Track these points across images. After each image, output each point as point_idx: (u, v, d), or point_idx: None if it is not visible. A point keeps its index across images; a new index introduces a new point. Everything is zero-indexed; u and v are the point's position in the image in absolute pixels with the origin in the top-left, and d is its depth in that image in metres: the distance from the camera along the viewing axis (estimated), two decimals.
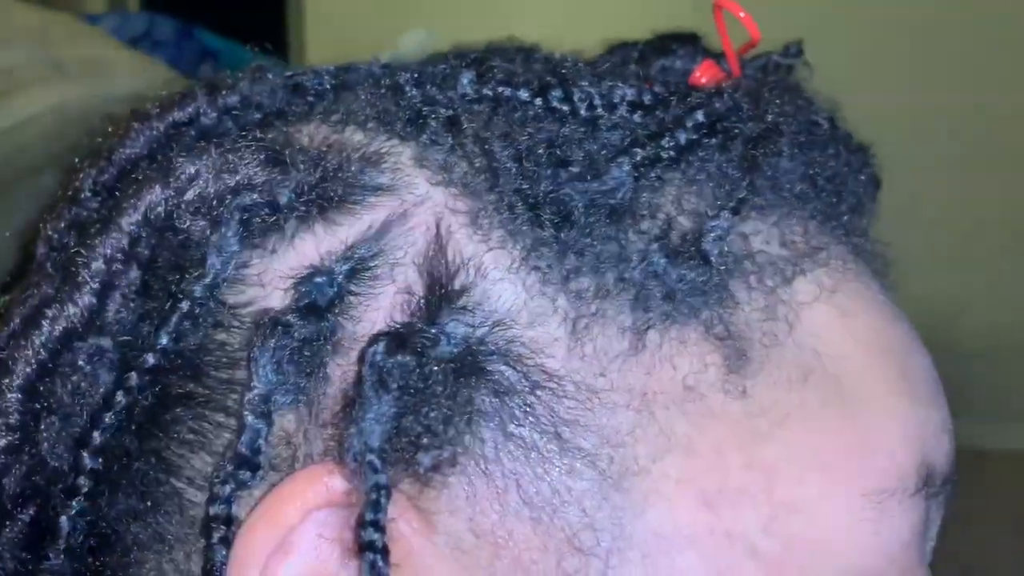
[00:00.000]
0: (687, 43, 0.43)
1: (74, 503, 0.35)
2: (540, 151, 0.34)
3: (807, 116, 0.40)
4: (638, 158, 0.35)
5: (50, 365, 0.35)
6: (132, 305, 0.35)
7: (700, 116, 0.36)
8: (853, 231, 0.40)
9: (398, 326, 0.33)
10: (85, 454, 0.35)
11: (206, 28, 1.35)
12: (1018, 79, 2.43)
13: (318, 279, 0.33)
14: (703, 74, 0.40)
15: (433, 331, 0.32)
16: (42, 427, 0.35)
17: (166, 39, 1.23)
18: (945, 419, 0.37)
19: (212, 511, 0.33)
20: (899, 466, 0.34)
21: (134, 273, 0.35)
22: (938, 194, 2.29)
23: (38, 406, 0.35)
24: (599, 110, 0.36)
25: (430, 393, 0.31)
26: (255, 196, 0.34)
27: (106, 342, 0.35)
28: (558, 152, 0.34)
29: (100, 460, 0.35)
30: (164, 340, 0.34)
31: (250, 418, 0.32)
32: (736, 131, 0.37)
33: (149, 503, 0.35)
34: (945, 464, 0.36)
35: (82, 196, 0.40)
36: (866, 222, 0.42)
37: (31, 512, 0.35)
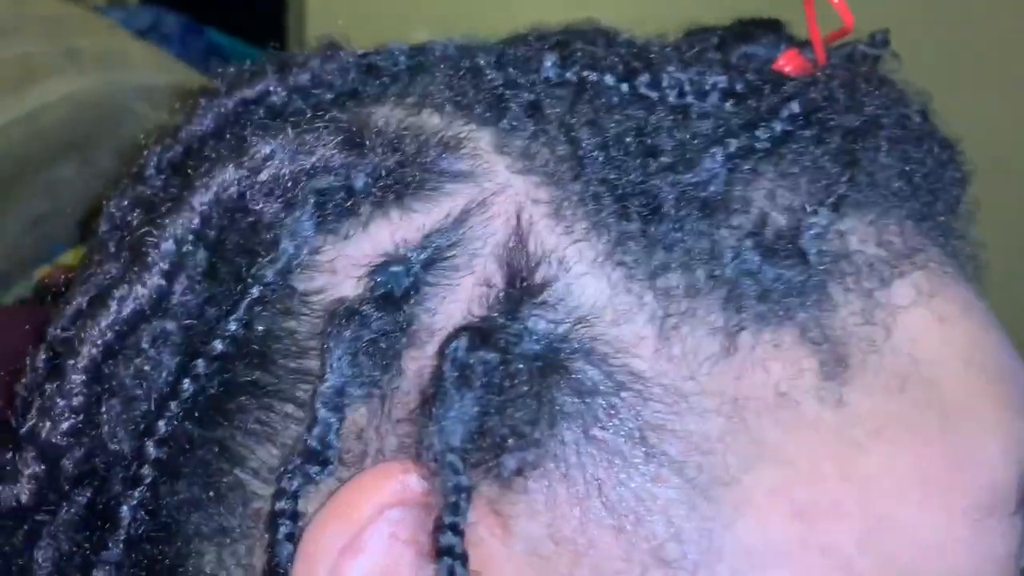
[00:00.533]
0: (769, 30, 0.41)
1: (136, 492, 0.34)
2: (628, 139, 0.33)
3: (901, 110, 0.38)
4: (732, 149, 0.33)
5: (115, 347, 0.34)
6: (199, 288, 0.34)
7: (795, 106, 0.34)
8: (949, 233, 0.38)
9: (478, 320, 0.31)
10: (148, 442, 0.34)
11: (209, 24, 1.34)
12: None
13: (394, 268, 0.32)
14: (787, 63, 0.39)
15: (516, 326, 0.31)
16: (103, 410, 0.34)
17: (172, 34, 1.22)
18: None
19: (278, 506, 0.32)
20: (999, 483, 0.33)
21: (202, 255, 0.34)
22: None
23: (101, 388, 0.34)
24: (689, 97, 0.34)
25: (515, 392, 0.30)
26: (331, 179, 0.33)
27: (171, 325, 0.34)
28: (647, 141, 0.33)
29: (163, 448, 0.34)
30: (232, 326, 0.33)
31: (322, 411, 0.31)
32: (833, 123, 0.35)
33: (212, 493, 0.34)
34: None
35: (147, 173, 0.39)
36: (962, 223, 0.40)
37: (88, 495, 0.35)
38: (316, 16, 2.11)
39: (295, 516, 0.32)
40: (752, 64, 0.40)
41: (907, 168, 0.37)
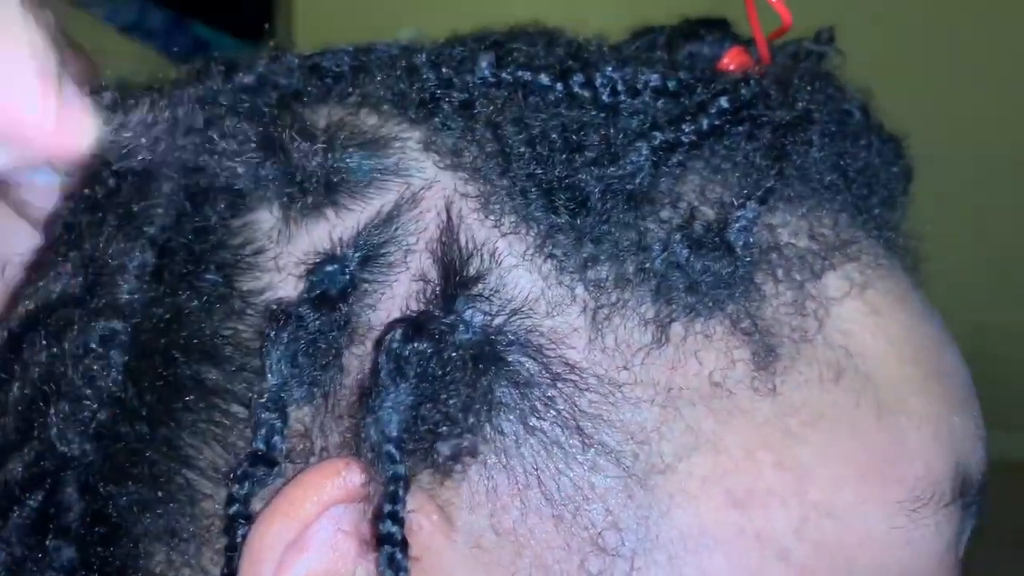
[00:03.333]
0: (715, 29, 0.42)
1: (85, 494, 0.34)
2: (554, 135, 0.33)
3: (839, 105, 0.38)
4: (656, 142, 0.34)
5: (63, 348, 0.34)
6: (146, 288, 0.34)
7: (724, 102, 0.35)
8: (885, 225, 0.39)
9: (414, 314, 0.32)
10: (96, 443, 0.34)
11: (195, 19, 1.34)
12: None
13: (329, 267, 0.33)
14: (731, 61, 0.39)
15: (451, 318, 0.31)
16: (51, 411, 0.34)
17: (157, 28, 1.22)
18: (979, 425, 0.36)
19: (232, 510, 0.32)
20: (934, 474, 0.33)
21: (149, 255, 0.34)
22: (968, 195, 2.26)
23: (49, 389, 0.34)
24: (621, 96, 0.35)
25: (449, 380, 0.31)
26: (254, 180, 0.34)
27: (119, 325, 0.34)
28: (573, 136, 0.33)
29: (110, 447, 0.34)
30: (176, 326, 0.34)
31: (264, 413, 0.32)
32: (764, 119, 0.35)
33: (160, 494, 0.34)
34: (978, 473, 0.35)
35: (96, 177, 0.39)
36: (898, 216, 0.40)
37: (39, 498, 0.35)
38: (304, 11, 2.11)
39: (249, 519, 0.32)
40: (696, 63, 0.40)
41: (841, 162, 0.37)
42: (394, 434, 0.30)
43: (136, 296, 0.34)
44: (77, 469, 0.34)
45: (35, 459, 0.34)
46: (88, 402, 0.34)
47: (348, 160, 0.34)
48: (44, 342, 0.34)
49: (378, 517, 0.30)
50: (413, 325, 0.31)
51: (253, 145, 0.34)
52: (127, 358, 0.34)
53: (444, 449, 0.30)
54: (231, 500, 0.32)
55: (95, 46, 0.81)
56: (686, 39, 0.42)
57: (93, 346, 0.34)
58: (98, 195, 0.38)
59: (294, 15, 2.10)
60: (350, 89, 0.37)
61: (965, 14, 2.34)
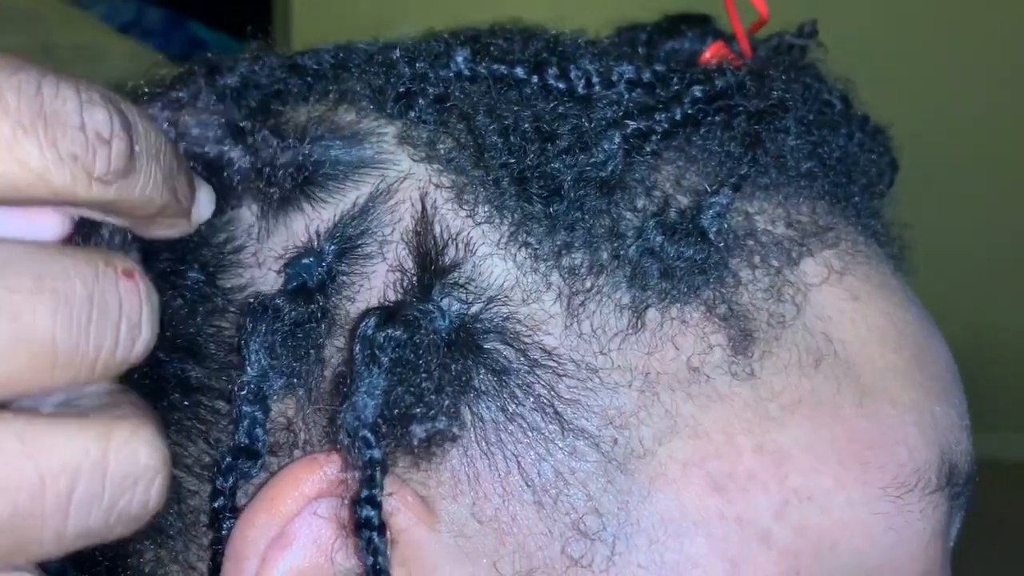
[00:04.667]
0: (697, 25, 0.42)
1: None
2: (526, 126, 0.34)
3: (818, 95, 0.39)
4: (628, 131, 0.34)
5: None
6: None
7: (698, 91, 0.35)
8: (865, 212, 0.39)
9: (391, 303, 0.32)
10: None
11: (193, 18, 1.34)
12: None
13: (306, 260, 0.33)
14: (712, 55, 0.39)
15: (427, 307, 0.31)
16: None
17: (156, 27, 1.23)
18: (963, 415, 0.36)
19: (217, 504, 0.32)
20: (917, 461, 0.33)
21: (133, 252, 0.34)
22: (965, 194, 2.25)
23: None
24: (595, 87, 0.35)
25: (422, 365, 0.31)
26: (231, 176, 0.34)
27: None
28: (545, 126, 0.34)
29: None
30: (161, 323, 0.33)
31: (244, 406, 0.32)
32: (739, 108, 0.36)
33: None
34: (965, 463, 0.35)
35: None
36: (880, 204, 0.40)
37: None
38: (301, 10, 2.12)
39: (235, 511, 0.32)
40: (678, 58, 0.40)
41: (819, 150, 0.37)
42: (369, 419, 0.30)
43: None
44: None
45: None
46: None
47: (323, 154, 0.34)
48: None
49: (356, 503, 0.30)
50: (387, 311, 0.31)
51: (229, 143, 0.34)
52: None
53: (418, 432, 0.30)
54: (216, 494, 0.32)
55: (94, 44, 0.81)
56: (667, 36, 0.42)
57: None
58: None
59: (291, 14, 2.10)
60: (330, 87, 0.37)
61: (967, 13, 2.33)
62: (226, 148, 0.34)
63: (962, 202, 2.22)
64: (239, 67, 0.38)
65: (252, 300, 0.33)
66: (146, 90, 0.38)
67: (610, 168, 0.33)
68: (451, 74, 0.36)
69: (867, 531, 0.32)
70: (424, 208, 0.33)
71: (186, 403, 0.34)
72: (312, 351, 0.32)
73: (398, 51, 0.36)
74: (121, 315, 0.25)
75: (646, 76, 0.36)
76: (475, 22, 0.41)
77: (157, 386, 0.34)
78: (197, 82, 0.38)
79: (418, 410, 0.30)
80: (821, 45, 0.42)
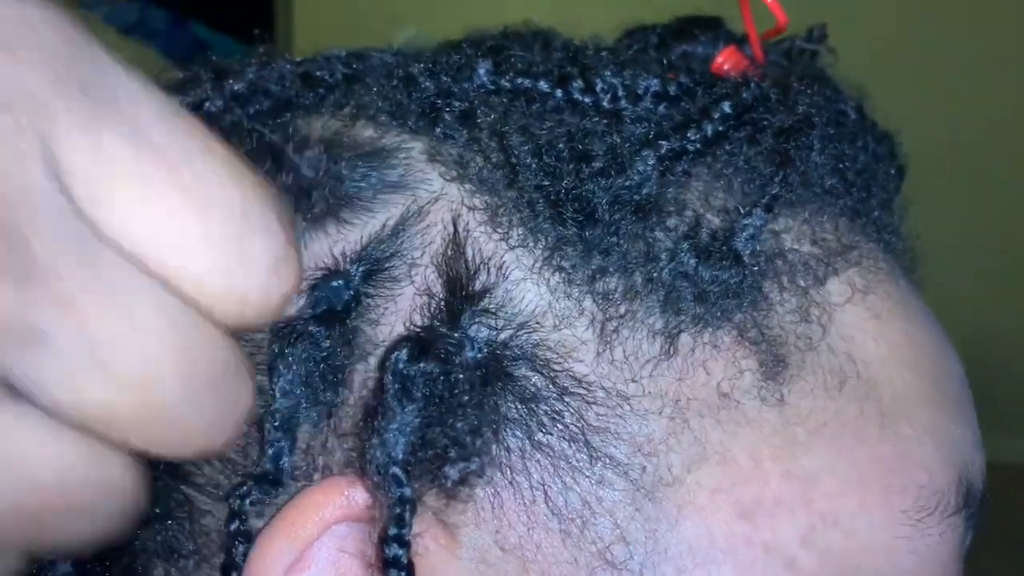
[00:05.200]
0: (708, 28, 0.41)
1: None
2: (560, 145, 0.33)
3: (835, 106, 0.38)
4: (663, 151, 0.33)
5: None
6: None
7: (727, 107, 0.35)
8: (883, 228, 0.38)
9: (419, 330, 0.31)
10: None
11: (195, 20, 1.35)
12: None
13: (334, 283, 0.32)
14: (725, 60, 0.39)
15: (457, 335, 0.31)
16: None
17: (158, 29, 1.23)
18: (975, 432, 0.36)
19: (233, 527, 0.31)
20: (937, 483, 0.33)
21: None
22: (968, 200, 2.24)
23: None
24: (623, 102, 0.35)
25: (456, 402, 0.30)
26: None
27: None
28: (579, 146, 0.33)
29: None
30: None
31: (274, 433, 0.31)
32: (765, 123, 0.35)
33: (158, 510, 0.34)
34: (980, 482, 0.35)
35: None
36: (896, 218, 0.40)
37: None
38: (304, 11, 2.11)
39: (249, 536, 0.31)
40: (690, 63, 0.40)
41: (841, 165, 0.37)
42: (400, 456, 0.29)
43: None
44: None
45: None
46: None
47: (352, 174, 0.33)
48: None
49: (383, 540, 0.29)
50: (419, 343, 0.30)
51: (250, 157, 0.34)
52: None
53: (452, 473, 0.30)
54: (232, 517, 0.32)
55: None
56: (679, 38, 0.41)
57: None
58: None
59: (294, 15, 2.10)
60: (344, 100, 0.36)
61: (970, 16, 2.33)
62: (251, 163, 0.33)
63: (964, 205, 2.21)
64: (247, 72, 0.37)
65: (283, 325, 0.32)
66: None
67: (645, 191, 0.33)
68: (475, 87, 0.35)
69: (889, 555, 0.32)
70: (456, 231, 0.32)
71: None
72: (337, 376, 0.32)
73: (417, 64, 0.35)
74: None
75: (672, 89, 0.35)
76: (479, 24, 0.40)
77: None
78: (203, 87, 0.37)
79: (453, 452, 0.30)
80: (832, 50, 0.42)
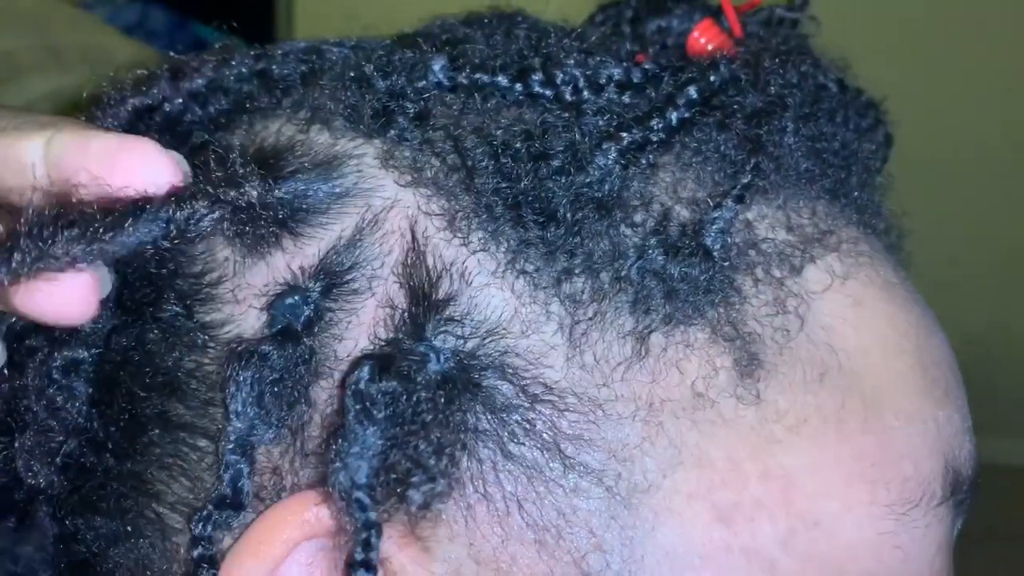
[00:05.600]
0: (684, 0, 0.40)
1: (54, 526, 0.33)
2: (517, 144, 0.32)
3: (813, 80, 0.37)
4: (624, 143, 0.32)
5: (27, 377, 0.33)
6: (108, 316, 0.33)
7: (692, 92, 0.33)
8: (864, 208, 0.37)
9: (383, 343, 0.30)
10: (62, 472, 0.33)
11: (197, 20, 1.35)
12: None
13: (290, 299, 0.31)
14: (702, 34, 0.38)
15: (421, 348, 0.30)
16: (17, 443, 0.33)
17: (159, 29, 1.23)
18: (966, 418, 0.35)
19: (196, 552, 0.31)
20: (922, 473, 0.32)
21: (110, 283, 0.32)
22: (967, 196, 2.22)
23: (14, 420, 0.33)
24: (584, 93, 0.33)
25: (420, 421, 0.29)
26: (204, 212, 0.31)
27: (83, 354, 0.33)
28: (537, 144, 0.32)
29: (77, 479, 0.33)
30: (137, 358, 0.32)
31: (230, 456, 0.30)
32: (735, 106, 0.34)
33: (129, 528, 0.33)
34: (968, 468, 0.34)
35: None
36: (878, 195, 0.39)
37: (10, 527, 0.34)
38: (305, 10, 2.12)
39: (213, 561, 0.31)
40: (666, 38, 0.39)
41: (817, 146, 0.36)
42: (363, 481, 0.28)
43: (99, 324, 0.33)
44: (46, 501, 0.33)
45: (2, 491, 0.34)
46: (53, 433, 0.33)
47: (302, 188, 0.32)
48: (7, 372, 0.33)
49: (350, 565, 0.29)
50: (380, 361, 0.29)
51: (191, 190, 0.31)
52: (91, 389, 0.33)
53: (416, 496, 0.29)
54: (195, 541, 0.31)
55: (100, 47, 0.82)
56: (654, 13, 0.40)
57: (56, 376, 0.33)
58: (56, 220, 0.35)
59: (295, 14, 2.11)
60: (300, 101, 0.35)
61: (971, 15, 2.30)
62: (196, 177, 0.31)
63: (966, 204, 2.20)
64: (205, 69, 0.36)
65: (235, 345, 0.31)
66: (112, 96, 0.36)
67: (607, 187, 0.31)
68: (430, 86, 0.33)
69: (874, 552, 0.31)
70: (415, 238, 0.31)
71: (168, 440, 0.33)
72: (299, 396, 0.31)
73: (371, 62, 0.34)
74: None
75: (636, 77, 0.34)
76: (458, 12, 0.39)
77: (136, 423, 0.33)
78: (160, 86, 0.36)
79: (415, 477, 0.29)
80: (813, 18, 0.41)
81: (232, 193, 0.30)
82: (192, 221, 0.29)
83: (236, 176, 0.30)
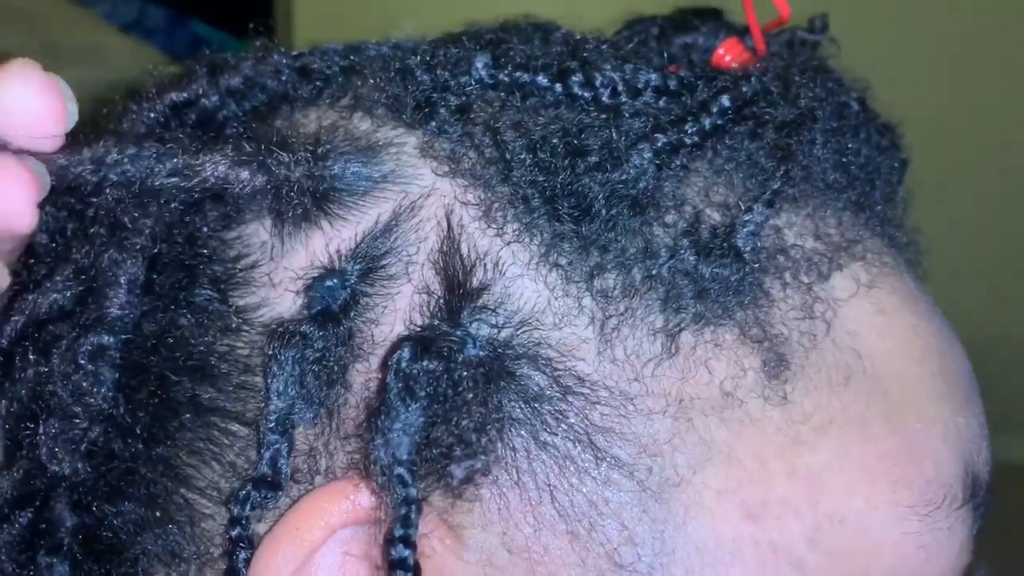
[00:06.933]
0: (709, 19, 0.41)
1: (77, 513, 0.33)
2: (555, 140, 0.32)
3: (838, 98, 0.38)
4: (659, 144, 0.33)
5: (52, 363, 0.33)
6: (137, 302, 0.33)
7: (726, 101, 0.34)
8: (887, 221, 0.38)
9: (420, 328, 0.31)
10: (86, 459, 0.33)
11: (195, 17, 1.35)
12: None
13: (329, 282, 0.32)
14: (727, 52, 0.39)
15: (459, 333, 0.30)
16: (41, 429, 0.33)
17: (157, 27, 1.23)
18: (983, 423, 0.36)
19: (234, 533, 0.31)
20: (944, 476, 0.33)
21: (140, 269, 0.33)
22: (969, 198, 2.23)
23: (38, 406, 0.33)
24: (622, 96, 0.34)
25: (460, 400, 0.30)
26: (245, 193, 0.32)
27: (109, 340, 0.33)
28: (575, 141, 0.32)
29: (103, 465, 0.33)
30: (170, 342, 0.33)
31: (270, 436, 0.31)
32: (766, 117, 0.35)
33: (158, 514, 0.34)
34: (986, 473, 0.35)
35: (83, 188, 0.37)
36: (899, 210, 0.40)
37: (29, 515, 0.34)
38: (304, 9, 2.11)
39: (250, 542, 0.31)
40: (691, 54, 0.40)
41: (843, 159, 0.37)
42: (405, 457, 0.29)
43: (127, 311, 0.33)
44: (69, 487, 0.33)
45: (24, 477, 0.34)
46: (78, 420, 0.33)
47: (341, 168, 0.33)
48: (33, 358, 0.33)
49: (389, 541, 0.29)
50: (421, 343, 0.30)
51: (237, 156, 0.32)
52: (118, 375, 0.33)
53: (457, 472, 0.30)
54: (233, 522, 0.31)
55: (97, 44, 0.81)
56: (680, 30, 0.41)
57: (82, 362, 0.33)
58: (87, 206, 0.36)
59: (293, 13, 2.10)
60: (341, 91, 0.36)
61: (973, 16, 2.32)
62: (239, 162, 0.32)
63: (971, 203, 2.21)
64: (243, 66, 0.37)
65: (276, 326, 0.32)
66: (151, 90, 0.37)
67: (642, 184, 0.32)
68: (472, 81, 0.34)
69: (898, 551, 0.32)
70: (450, 226, 0.32)
71: (199, 424, 0.33)
72: (338, 376, 0.31)
73: (415, 56, 0.35)
74: None
75: (672, 84, 0.35)
76: (481, 19, 0.40)
77: (166, 407, 0.33)
78: (198, 82, 0.37)
79: (458, 450, 0.29)
80: (833, 41, 0.41)
81: (280, 164, 0.31)
82: (242, 187, 0.30)
83: (284, 148, 0.31)
